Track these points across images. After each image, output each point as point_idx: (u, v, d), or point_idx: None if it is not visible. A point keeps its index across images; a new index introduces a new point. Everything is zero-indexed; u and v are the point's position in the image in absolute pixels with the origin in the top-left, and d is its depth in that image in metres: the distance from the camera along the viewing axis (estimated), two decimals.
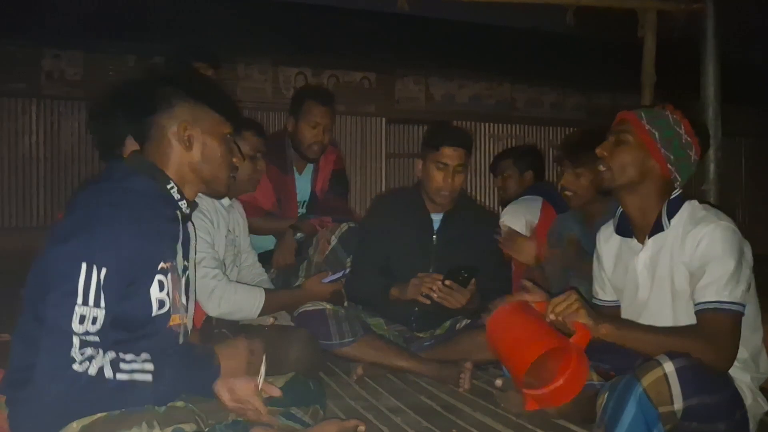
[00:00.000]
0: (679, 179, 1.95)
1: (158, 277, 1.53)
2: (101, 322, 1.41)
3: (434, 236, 2.81)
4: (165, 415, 1.45)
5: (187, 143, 1.63)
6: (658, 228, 1.93)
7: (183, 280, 1.67)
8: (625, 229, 2.06)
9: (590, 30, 8.70)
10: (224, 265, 2.69)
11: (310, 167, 3.45)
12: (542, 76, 10.13)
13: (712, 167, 3.84)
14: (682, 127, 1.94)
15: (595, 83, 10.13)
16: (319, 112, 3.31)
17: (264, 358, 1.69)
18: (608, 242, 2.14)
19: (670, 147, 1.91)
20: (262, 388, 1.63)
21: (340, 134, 9.17)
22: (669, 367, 1.65)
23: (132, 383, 1.42)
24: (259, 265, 2.98)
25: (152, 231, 1.52)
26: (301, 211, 3.40)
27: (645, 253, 1.97)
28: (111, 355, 1.41)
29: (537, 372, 1.93)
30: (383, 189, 9.24)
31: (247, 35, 8.99)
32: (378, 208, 2.94)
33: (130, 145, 1.82)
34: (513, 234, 2.98)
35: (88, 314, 1.39)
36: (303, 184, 3.44)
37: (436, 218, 2.83)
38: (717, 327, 1.77)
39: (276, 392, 1.67)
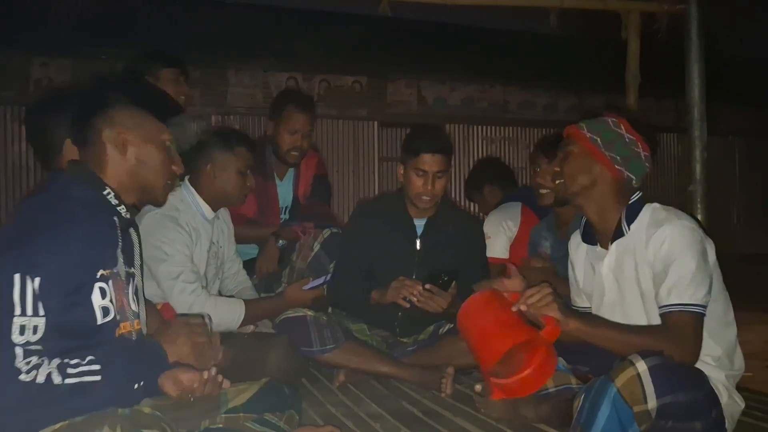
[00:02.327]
0: (633, 177, 1.98)
1: (98, 284, 1.53)
2: (42, 331, 1.42)
3: (417, 241, 2.80)
4: (129, 420, 1.43)
5: (122, 148, 1.62)
6: (618, 233, 1.97)
7: (130, 287, 1.65)
8: (589, 237, 2.10)
9: (583, 31, 8.72)
10: (206, 278, 2.68)
11: (291, 173, 3.44)
12: (535, 78, 10.15)
13: (698, 168, 3.84)
14: (622, 128, 1.98)
15: (588, 85, 10.14)
16: (299, 118, 3.29)
17: (210, 333, 1.73)
18: (578, 250, 2.17)
19: (613, 148, 1.95)
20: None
21: (332, 138, 9.19)
22: (642, 366, 1.67)
23: (82, 385, 1.42)
24: (243, 272, 2.98)
25: (88, 238, 1.51)
26: (284, 216, 3.39)
27: (609, 257, 2.00)
28: (56, 361, 1.40)
29: (505, 361, 1.94)
30: (376, 192, 9.24)
31: (238, 41, 8.99)
32: (361, 213, 2.92)
33: (69, 152, 1.78)
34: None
35: (28, 324, 1.40)
36: (285, 190, 3.42)
37: (419, 223, 2.81)
38: (681, 328, 1.80)
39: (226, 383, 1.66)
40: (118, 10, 8.87)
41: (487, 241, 3.28)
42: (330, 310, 2.93)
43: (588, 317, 1.95)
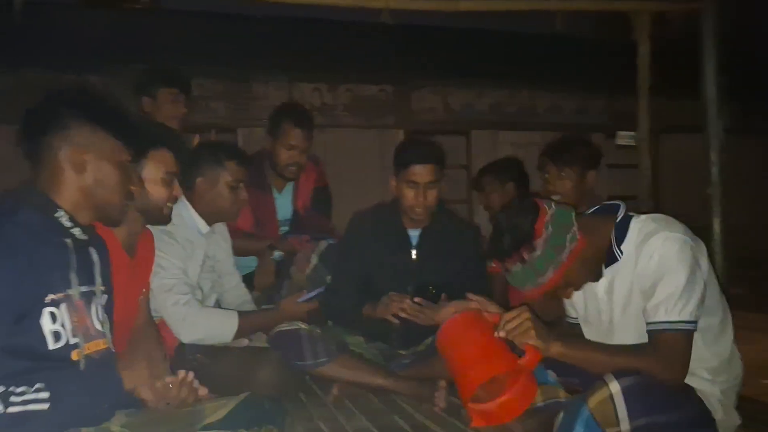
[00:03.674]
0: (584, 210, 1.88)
1: (48, 309, 1.49)
2: None
3: (413, 252, 2.77)
4: None
5: (80, 168, 1.58)
6: (611, 259, 1.85)
7: (94, 306, 1.63)
8: None
9: (610, 32, 8.56)
10: (201, 290, 2.68)
11: (290, 186, 3.43)
12: (563, 81, 9.99)
13: (714, 170, 3.73)
14: (535, 220, 1.78)
15: (618, 86, 9.94)
16: (296, 134, 3.29)
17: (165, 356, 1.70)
18: None
19: (554, 239, 1.77)
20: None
21: (358, 147, 9.19)
22: (615, 387, 1.64)
23: (26, 414, 1.38)
24: (242, 286, 2.98)
25: (32, 264, 1.47)
26: (284, 229, 3.38)
27: (604, 281, 1.91)
28: None
29: (484, 387, 1.89)
30: None
31: (261, 54, 9.07)
32: (355, 225, 2.90)
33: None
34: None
35: None
36: (283, 203, 3.42)
37: (414, 234, 2.78)
38: (668, 347, 1.73)
39: (203, 391, 1.66)
40: (144, 26, 9.05)
41: None
42: (329, 323, 2.92)
43: (571, 340, 1.87)
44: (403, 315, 2.51)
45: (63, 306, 1.52)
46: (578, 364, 1.80)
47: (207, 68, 8.68)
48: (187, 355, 2.47)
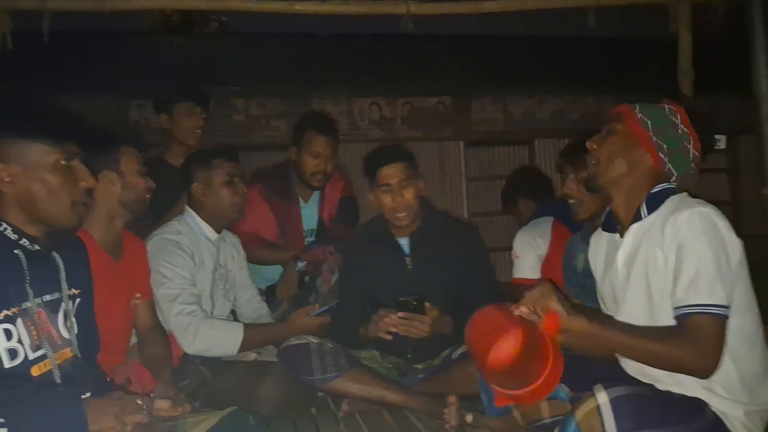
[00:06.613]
0: (675, 173, 1.80)
1: (1, 326, 1.47)
2: None
3: (406, 260, 2.69)
4: None
5: (8, 184, 1.55)
6: (636, 218, 1.79)
7: (60, 314, 1.61)
8: (611, 225, 1.93)
9: (645, 28, 8.16)
10: (212, 299, 2.68)
11: (316, 195, 3.40)
12: (629, 84, 9.62)
13: None
14: (678, 118, 1.81)
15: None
16: (321, 141, 3.24)
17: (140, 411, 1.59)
18: (598, 246, 2.01)
19: (663, 135, 1.78)
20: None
21: (418, 160, 9.12)
22: (602, 398, 1.53)
23: None
24: (258, 298, 2.96)
25: None
26: (310, 239, 3.35)
27: (624, 248, 1.83)
28: None
29: (512, 372, 1.77)
30: (465, 213, 9.07)
31: (320, 71, 9.18)
32: (355, 239, 2.87)
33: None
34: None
35: None
36: (309, 213, 3.38)
37: (404, 242, 2.72)
38: (697, 332, 1.59)
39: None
40: (204, 50, 9.35)
41: (515, 261, 3.10)
42: None
43: (595, 316, 1.76)
44: (393, 331, 2.46)
45: (19, 321, 1.51)
46: (604, 345, 1.69)
47: (269, 88, 8.87)
48: (190, 366, 2.46)
